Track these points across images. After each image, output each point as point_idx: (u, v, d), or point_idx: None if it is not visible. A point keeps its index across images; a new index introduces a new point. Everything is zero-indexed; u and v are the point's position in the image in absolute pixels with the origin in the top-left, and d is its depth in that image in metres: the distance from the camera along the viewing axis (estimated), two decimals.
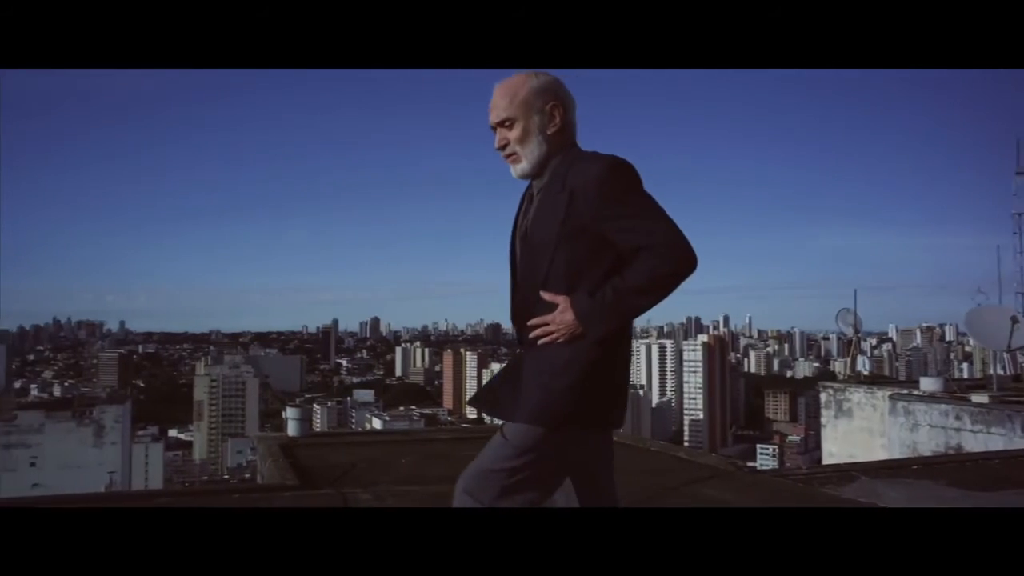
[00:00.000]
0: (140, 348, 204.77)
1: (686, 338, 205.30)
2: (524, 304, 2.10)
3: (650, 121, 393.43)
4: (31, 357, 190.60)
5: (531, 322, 2.05)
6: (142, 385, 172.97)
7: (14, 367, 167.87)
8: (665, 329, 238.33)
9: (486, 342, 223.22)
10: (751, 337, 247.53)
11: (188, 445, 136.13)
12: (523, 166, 2.13)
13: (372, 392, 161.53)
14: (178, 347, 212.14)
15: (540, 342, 2.02)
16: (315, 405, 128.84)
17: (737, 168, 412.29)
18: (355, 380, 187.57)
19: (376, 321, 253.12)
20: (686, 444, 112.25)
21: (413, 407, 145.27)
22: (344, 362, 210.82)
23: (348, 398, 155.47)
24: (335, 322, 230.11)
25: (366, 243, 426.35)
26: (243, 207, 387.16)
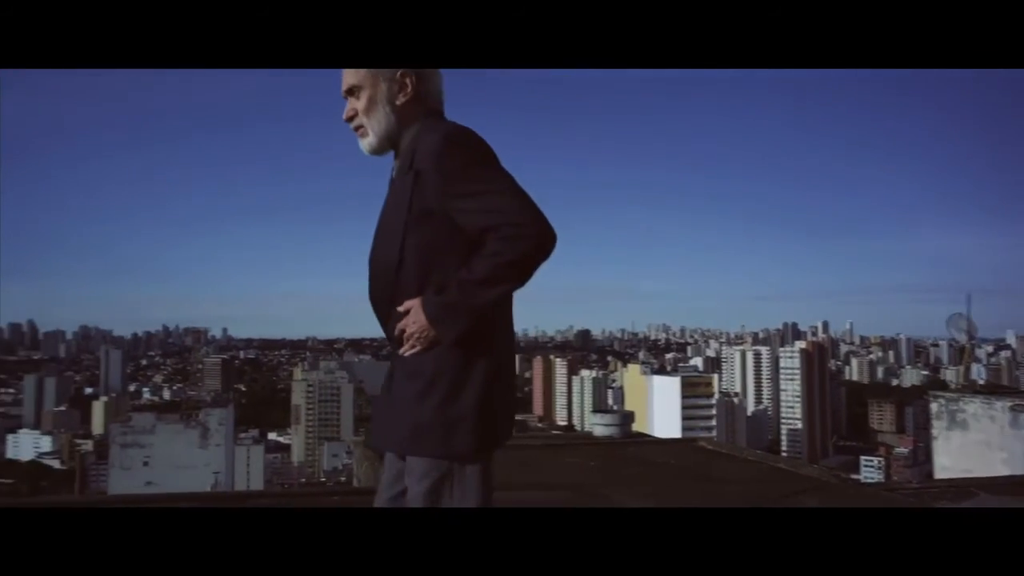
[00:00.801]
0: (241, 354, 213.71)
1: (783, 345, 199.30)
2: (381, 296, 1.91)
3: (748, 122, 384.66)
4: (143, 362, 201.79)
5: (396, 331, 1.84)
6: (243, 389, 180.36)
7: (128, 372, 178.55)
8: (760, 335, 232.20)
9: (576, 348, 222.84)
10: (852, 344, 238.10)
11: (287, 448, 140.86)
12: (369, 140, 1.94)
13: None
14: (277, 353, 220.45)
15: (404, 352, 1.83)
16: None
17: (837, 165, 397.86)
18: None
19: None
20: (784, 454, 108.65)
21: None
22: None
23: None
24: None
25: None
26: (338, 215, 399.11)
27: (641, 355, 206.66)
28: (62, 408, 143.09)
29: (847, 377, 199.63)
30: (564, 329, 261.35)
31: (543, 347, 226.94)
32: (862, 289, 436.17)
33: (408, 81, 1.91)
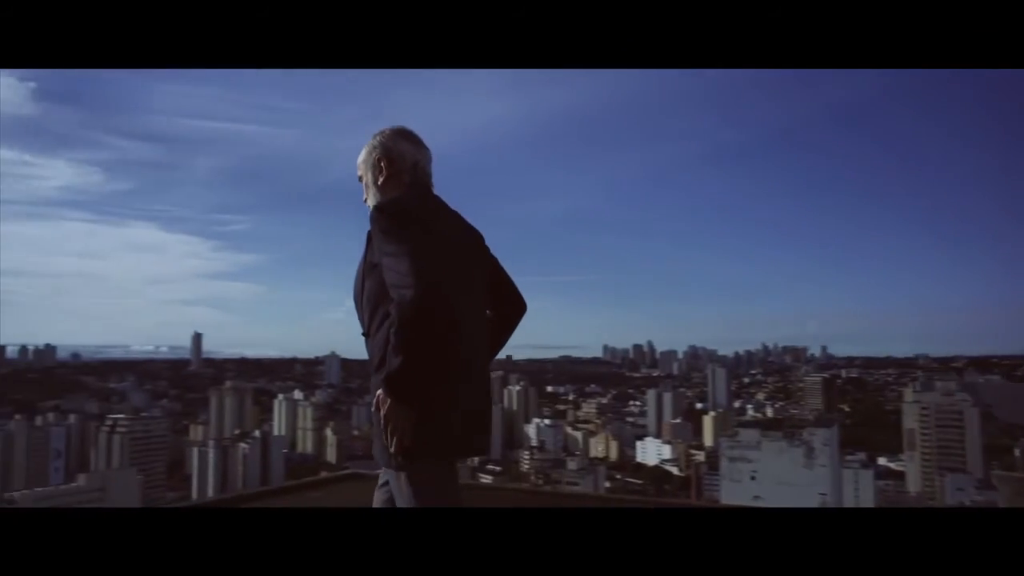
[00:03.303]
0: (843, 373, 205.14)
1: None
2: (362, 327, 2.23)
3: None
4: (746, 380, 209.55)
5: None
6: (847, 409, 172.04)
7: (732, 389, 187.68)
8: None
9: None
10: None
11: (899, 475, 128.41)
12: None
13: None
14: (882, 372, 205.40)
15: (393, 457, 2.03)
16: None
17: None
18: None
19: None
20: None
21: None
22: None
23: None
24: None
25: None
26: (927, 221, 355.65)
27: None
28: (678, 420, 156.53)
29: None
30: None
31: None
32: None
33: (382, 164, 2.28)
